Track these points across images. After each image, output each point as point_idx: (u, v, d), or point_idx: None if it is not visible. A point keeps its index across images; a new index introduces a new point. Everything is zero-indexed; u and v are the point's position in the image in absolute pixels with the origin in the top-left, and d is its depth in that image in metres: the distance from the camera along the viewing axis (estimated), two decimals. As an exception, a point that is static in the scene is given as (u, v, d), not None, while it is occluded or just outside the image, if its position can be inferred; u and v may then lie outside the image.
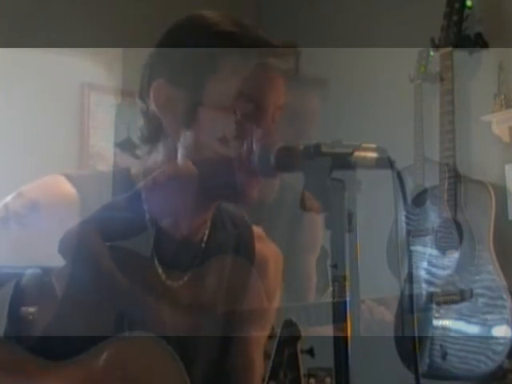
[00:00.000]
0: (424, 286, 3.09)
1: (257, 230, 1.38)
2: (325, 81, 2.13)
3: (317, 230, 2.10)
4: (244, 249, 1.34)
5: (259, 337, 1.35)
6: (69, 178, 1.20)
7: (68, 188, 1.19)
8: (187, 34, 1.21)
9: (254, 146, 1.15)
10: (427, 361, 3.02)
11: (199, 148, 1.18)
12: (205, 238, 1.28)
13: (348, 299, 0.97)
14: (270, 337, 1.33)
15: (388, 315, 1.92)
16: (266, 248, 1.37)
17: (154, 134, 1.22)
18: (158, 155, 1.23)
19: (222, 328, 1.29)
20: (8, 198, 1.20)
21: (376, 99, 3.68)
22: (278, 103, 1.21)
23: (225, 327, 1.30)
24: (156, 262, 1.22)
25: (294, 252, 2.00)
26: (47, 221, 1.16)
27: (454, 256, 3.05)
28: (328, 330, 1.80)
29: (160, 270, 1.22)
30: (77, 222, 1.13)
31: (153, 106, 1.20)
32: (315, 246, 2.12)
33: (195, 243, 1.26)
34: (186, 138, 1.19)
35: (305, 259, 2.07)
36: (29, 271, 1.13)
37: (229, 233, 1.33)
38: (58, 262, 1.11)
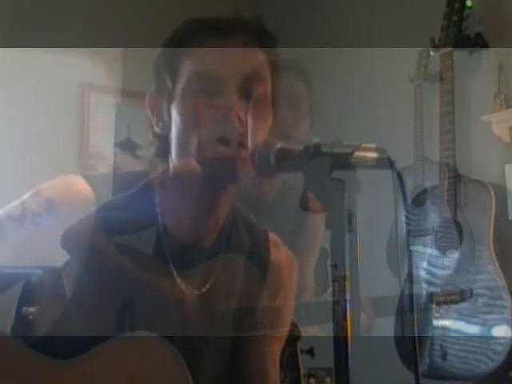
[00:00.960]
0: (424, 286, 3.09)
1: (272, 236, 1.38)
2: (304, 68, 2.11)
3: (318, 231, 2.09)
4: (258, 255, 1.33)
5: (273, 343, 1.34)
6: (86, 178, 1.22)
7: (84, 188, 1.20)
8: (173, 38, 1.22)
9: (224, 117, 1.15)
10: (427, 361, 3.02)
11: (183, 142, 1.18)
12: (218, 244, 1.27)
13: (348, 299, 0.97)
14: (270, 337, 1.33)
15: (364, 318, 1.90)
16: (281, 254, 1.37)
17: (163, 146, 1.23)
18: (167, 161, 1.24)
19: (234, 332, 1.29)
20: (25, 196, 1.20)
21: (376, 99, 3.68)
22: (241, 72, 1.18)
23: (237, 332, 1.29)
24: (174, 272, 1.22)
25: (294, 252, 2.00)
26: (63, 220, 1.16)
27: (454, 256, 3.05)
28: (318, 330, 1.80)
29: (179, 279, 1.22)
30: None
31: (151, 118, 1.23)
32: (315, 248, 2.11)
33: (207, 248, 1.26)
34: (173, 137, 1.20)
35: (304, 260, 2.06)
36: (34, 272, 1.14)
37: (243, 239, 1.33)
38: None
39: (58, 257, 1.13)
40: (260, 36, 1.22)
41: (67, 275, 1.15)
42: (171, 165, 1.21)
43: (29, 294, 1.15)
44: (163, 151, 1.23)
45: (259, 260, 1.33)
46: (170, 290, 1.21)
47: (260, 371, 1.32)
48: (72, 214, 1.16)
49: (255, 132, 1.17)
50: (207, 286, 1.25)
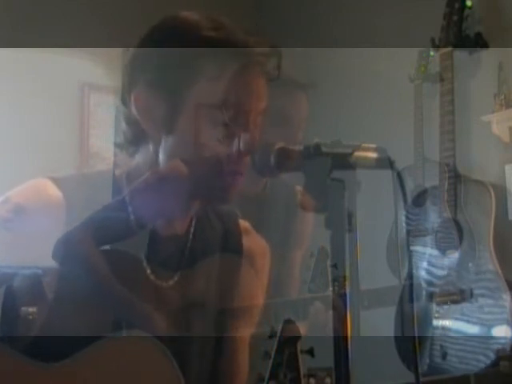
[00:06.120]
0: (424, 286, 3.09)
1: (243, 223, 1.38)
2: (313, 83, 2.10)
3: (308, 226, 2.10)
4: (231, 244, 1.34)
5: (244, 335, 1.35)
6: (54, 181, 1.21)
7: (53, 191, 1.19)
8: (166, 38, 1.20)
9: (238, 149, 1.16)
10: (427, 361, 3.02)
11: (180, 153, 1.18)
12: (191, 236, 1.28)
13: (348, 299, 0.97)
14: (270, 337, 1.33)
15: None
16: (253, 242, 1.37)
17: (136, 137, 1.23)
18: (141, 157, 1.24)
19: (214, 327, 1.29)
20: None
21: (376, 99, 3.68)
22: (259, 107, 1.20)
23: (217, 326, 1.29)
24: (144, 263, 1.22)
25: (282, 247, 2.00)
26: (33, 224, 1.16)
27: (454, 256, 3.05)
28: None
29: (149, 271, 1.22)
30: (63, 224, 1.13)
31: (134, 112, 1.21)
32: (304, 242, 2.12)
33: (181, 241, 1.26)
34: (166, 143, 1.20)
35: (292, 254, 2.07)
36: (21, 272, 1.13)
37: (215, 228, 1.33)
38: (45, 264, 1.11)
39: (32, 261, 1.13)
40: (277, 69, 1.23)
41: (55, 281, 1.14)
42: (148, 164, 1.21)
43: (12, 296, 1.14)
44: (137, 140, 1.23)
45: (233, 248, 1.33)
46: (145, 287, 1.21)
47: (230, 367, 1.33)
48: (42, 218, 1.16)
49: None
50: (178, 276, 1.25)
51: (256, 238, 1.39)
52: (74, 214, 1.15)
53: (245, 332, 1.34)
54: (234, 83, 1.16)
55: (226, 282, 1.31)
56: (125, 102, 1.23)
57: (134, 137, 1.23)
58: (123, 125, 1.24)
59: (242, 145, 1.17)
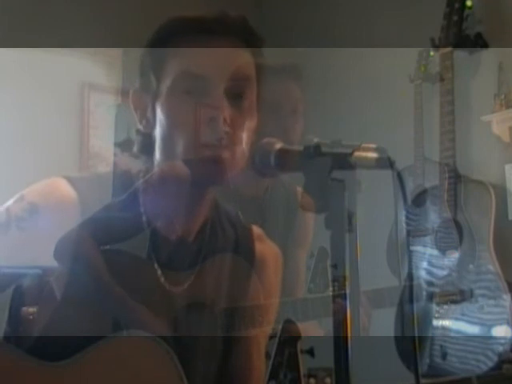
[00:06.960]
0: (424, 286, 3.09)
1: (256, 229, 1.38)
2: (297, 66, 2.09)
3: (309, 225, 2.10)
4: (243, 249, 1.33)
5: (259, 338, 1.34)
6: (70, 180, 1.20)
7: (69, 191, 1.19)
8: (158, 36, 1.22)
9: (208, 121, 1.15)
10: (427, 361, 3.02)
11: (168, 142, 1.19)
12: (203, 240, 1.27)
13: (348, 299, 0.97)
14: (271, 337, 1.33)
15: (363, 319, 1.90)
16: (266, 248, 1.37)
17: (146, 143, 1.24)
18: (151, 158, 1.24)
19: (223, 330, 1.29)
20: (9, 202, 1.20)
21: (376, 99, 3.68)
22: (228, 72, 1.18)
23: (225, 329, 1.29)
24: (155, 265, 1.22)
25: (285, 248, 2.01)
26: (48, 224, 1.16)
27: (454, 256, 3.05)
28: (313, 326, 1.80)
29: (159, 272, 1.22)
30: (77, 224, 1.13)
31: (134, 115, 1.23)
32: (306, 241, 2.12)
33: (193, 244, 1.26)
34: (158, 136, 1.21)
35: (295, 255, 2.07)
36: (30, 272, 1.13)
37: (228, 234, 1.32)
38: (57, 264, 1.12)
39: (45, 260, 1.13)
40: (246, 36, 1.22)
41: (57, 281, 1.14)
42: (156, 164, 1.22)
43: (20, 296, 1.14)
44: (146, 148, 1.23)
45: (245, 254, 1.33)
46: (155, 289, 1.21)
47: (247, 369, 1.32)
48: (56, 217, 1.16)
49: (241, 132, 1.18)
50: (190, 281, 1.24)
51: (268, 243, 1.38)
52: (88, 213, 1.15)
53: (256, 334, 1.34)
54: (187, 56, 1.17)
55: (237, 288, 1.31)
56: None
57: (145, 144, 1.24)
58: (135, 136, 1.26)
59: (210, 111, 1.15)
